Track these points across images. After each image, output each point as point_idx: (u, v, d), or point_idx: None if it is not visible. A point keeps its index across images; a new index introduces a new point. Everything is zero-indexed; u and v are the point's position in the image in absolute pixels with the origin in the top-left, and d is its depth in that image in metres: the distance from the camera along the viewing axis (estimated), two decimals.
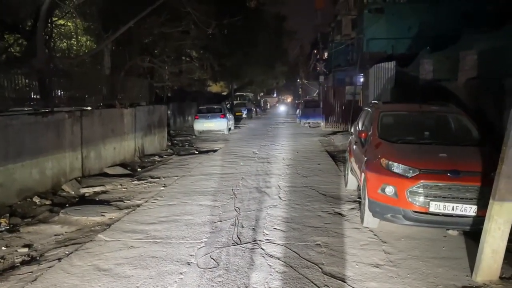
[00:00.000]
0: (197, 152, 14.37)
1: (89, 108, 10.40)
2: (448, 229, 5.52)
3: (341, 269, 4.47)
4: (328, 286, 4.10)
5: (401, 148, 5.74)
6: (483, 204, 4.48)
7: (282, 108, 55.16)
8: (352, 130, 8.92)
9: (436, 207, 4.91)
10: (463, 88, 8.69)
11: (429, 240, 5.38)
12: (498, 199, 4.04)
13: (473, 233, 4.99)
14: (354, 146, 7.54)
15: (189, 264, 4.63)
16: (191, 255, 4.88)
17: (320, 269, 4.47)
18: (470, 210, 4.84)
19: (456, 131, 6.37)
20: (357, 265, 4.60)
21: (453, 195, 4.91)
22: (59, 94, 10.13)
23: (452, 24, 16.42)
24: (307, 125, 25.80)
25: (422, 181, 5.00)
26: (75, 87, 10.48)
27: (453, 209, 4.87)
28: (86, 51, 17.01)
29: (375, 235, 5.55)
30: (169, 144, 15.96)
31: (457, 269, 4.49)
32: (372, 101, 8.37)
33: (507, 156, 3.98)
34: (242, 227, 5.90)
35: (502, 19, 10.95)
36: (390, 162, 5.35)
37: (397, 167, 5.25)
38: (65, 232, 5.96)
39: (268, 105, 59.76)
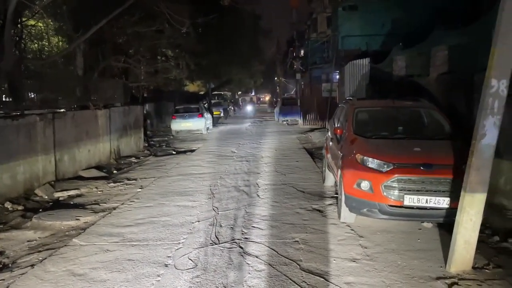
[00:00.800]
0: (174, 153, 14.24)
1: (62, 110, 10.17)
2: (423, 222, 5.64)
3: (319, 265, 4.50)
4: (306, 282, 4.11)
5: (376, 144, 5.82)
6: (455, 196, 4.57)
7: (249, 108, 46.02)
8: (329, 127, 8.99)
9: (410, 200, 5.00)
10: (435, 83, 8.87)
11: (405, 233, 5.47)
12: (469, 191, 4.14)
13: (447, 224, 5.10)
14: (330, 143, 7.61)
15: (166, 266, 4.58)
16: (168, 256, 4.83)
17: (298, 266, 4.49)
18: (443, 202, 4.94)
19: (429, 126, 6.50)
20: (334, 260, 4.63)
21: (426, 188, 5.01)
22: (31, 96, 9.89)
23: (425, 20, 16.72)
24: (285, 123, 25.92)
25: (396, 175, 5.07)
26: (47, 89, 10.23)
27: (426, 201, 4.97)
28: (58, 52, 16.60)
29: (352, 230, 5.61)
30: (146, 145, 15.76)
31: (431, 261, 4.58)
32: (347, 98, 8.46)
33: (477, 149, 4.08)
34: (221, 226, 5.87)
35: (473, 15, 11.22)
36: (365, 158, 5.41)
37: (372, 162, 5.32)
38: (39, 237, 5.81)
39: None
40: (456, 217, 4.26)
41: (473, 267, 4.32)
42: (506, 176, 5.94)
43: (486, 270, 4.32)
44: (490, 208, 5.35)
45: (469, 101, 6.91)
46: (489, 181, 4.13)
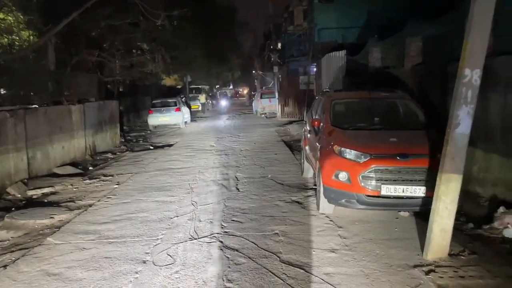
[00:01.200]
0: (152, 148, 14.05)
1: (34, 106, 9.88)
2: (400, 211, 5.71)
3: (298, 257, 4.50)
4: (286, 274, 4.11)
5: (353, 135, 5.86)
6: (431, 185, 4.62)
7: (224, 103, 40.33)
8: (306, 119, 9.01)
9: (387, 190, 5.05)
10: (410, 74, 8.97)
11: (382, 222, 5.53)
12: (444, 180, 4.20)
13: (423, 213, 5.17)
14: (308, 135, 7.63)
15: (144, 262, 4.50)
16: (146, 253, 4.75)
17: (278, 258, 4.48)
18: (419, 191, 5.02)
19: (404, 116, 6.58)
20: (314, 251, 4.65)
21: (403, 177, 5.07)
22: (1, 92, 9.57)
23: (400, 12, 16.92)
24: (263, 116, 25.91)
25: (373, 165, 5.12)
26: (18, 84, 9.91)
27: (403, 191, 5.04)
28: (29, 46, 16.10)
29: (331, 220, 5.64)
30: (123, 140, 15.50)
31: (409, 249, 4.64)
32: (324, 90, 8.48)
33: (451, 138, 4.14)
34: (200, 221, 5.82)
35: (447, 6, 11.39)
36: (343, 149, 5.44)
37: (349, 153, 5.35)
38: (11, 237, 5.64)
39: None
40: (432, 205, 4.33)
41: (449, 254, 4.39)
42: (480, 165, 6.07)
43: (462, 257, 4.40)
44: (465, 196, 5.47)
45: (443, 91, 7.01)
46: (463, 170, 4.20)
